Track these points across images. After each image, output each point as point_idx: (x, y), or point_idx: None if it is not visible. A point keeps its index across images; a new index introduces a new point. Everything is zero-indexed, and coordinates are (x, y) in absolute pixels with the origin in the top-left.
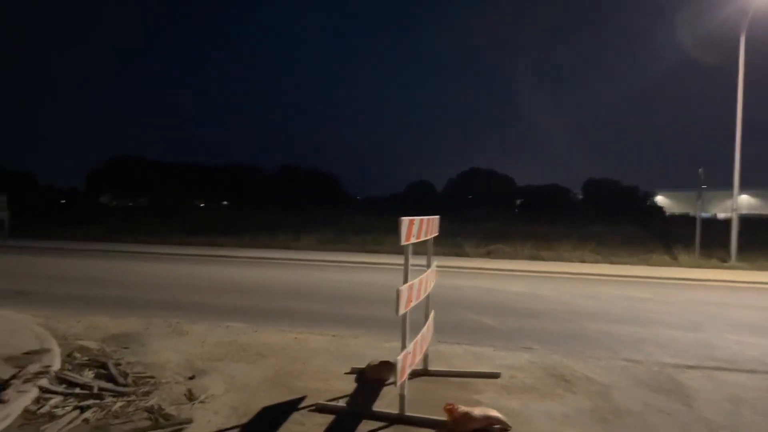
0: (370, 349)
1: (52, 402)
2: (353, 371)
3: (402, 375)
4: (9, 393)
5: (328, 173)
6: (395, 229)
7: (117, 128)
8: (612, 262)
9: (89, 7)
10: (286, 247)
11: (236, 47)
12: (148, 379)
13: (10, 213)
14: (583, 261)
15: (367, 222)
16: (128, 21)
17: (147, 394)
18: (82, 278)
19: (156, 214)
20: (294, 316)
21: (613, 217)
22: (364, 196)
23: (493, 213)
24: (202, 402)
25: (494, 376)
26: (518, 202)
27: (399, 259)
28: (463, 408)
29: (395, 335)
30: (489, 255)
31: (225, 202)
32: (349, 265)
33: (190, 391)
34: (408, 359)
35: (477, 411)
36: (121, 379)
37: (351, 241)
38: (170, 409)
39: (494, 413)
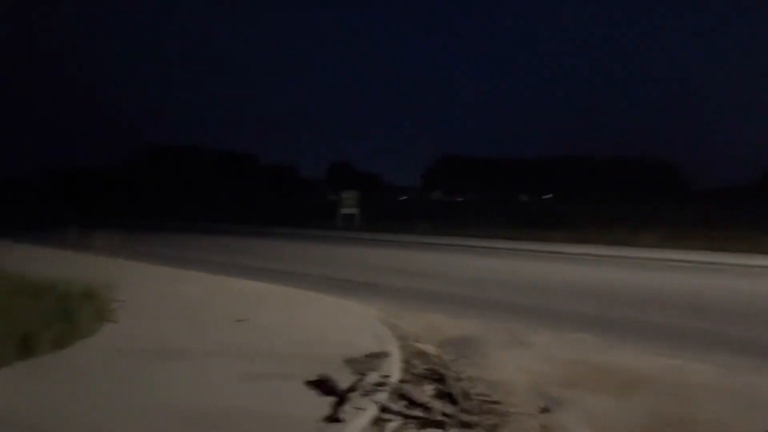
0: None
1: (391, 425)
2: None
3: None
4: (347, 409)
5: (664, 161)
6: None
7: (448, 127)
8: None
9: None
10: (623, 244)
11: (554, 42)
12: (493, 406)
13: (360, 209)
14: None
15: (711, 216)
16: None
17: (494, 428)
18: (418, 271)
19: (483, 208)
20: (654, 330)
21: None
22: (702, 188)
23: None
24: None
25: None
26: None
27: None
28: None
29: None
30: None
31: (548, 195)
32: (714, 267)
33: (546, 430)
34: None
35: None
36: (462, 402)
37: (702, 238)
38: None
39: None
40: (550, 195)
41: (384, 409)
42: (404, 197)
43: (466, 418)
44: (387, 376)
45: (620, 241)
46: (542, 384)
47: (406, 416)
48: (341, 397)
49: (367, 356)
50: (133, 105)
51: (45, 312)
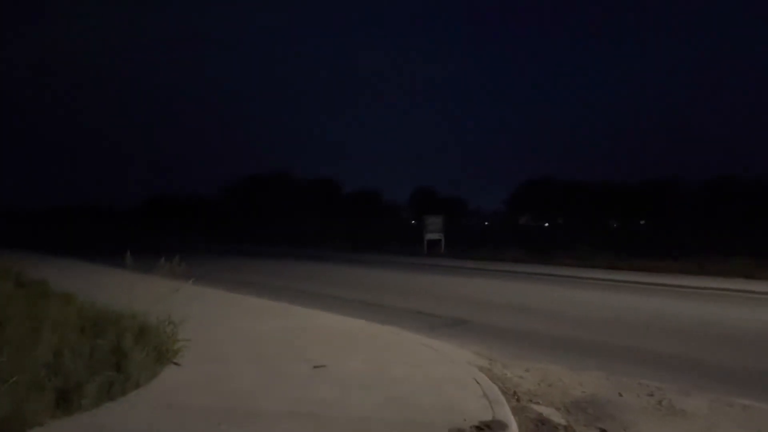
0: None
1: None
2: None
3: None
4: None
5: None
6: None
7: (534, 152)
8: None
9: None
10: (748, 276)
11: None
12: None
13: (444, 234)
14: None
15: None
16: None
17: None
18: (514, 305)
19: (574, 234)
20: None
21: None
22: None
23: None
24: None
25: None
26: None
27: None
28: None
29: None
30: None
31: (642, 222)
32: None
33: None
34: None
35: None
36: None
37: None
38: None
39: None
40: (643, 221)
41: None
42: (486, 222)
43: None
44: None
45: (741, 273)
46: None
47: None
48: None
49: (477, 427)
50: (235, 137)
51: (101, 351)
